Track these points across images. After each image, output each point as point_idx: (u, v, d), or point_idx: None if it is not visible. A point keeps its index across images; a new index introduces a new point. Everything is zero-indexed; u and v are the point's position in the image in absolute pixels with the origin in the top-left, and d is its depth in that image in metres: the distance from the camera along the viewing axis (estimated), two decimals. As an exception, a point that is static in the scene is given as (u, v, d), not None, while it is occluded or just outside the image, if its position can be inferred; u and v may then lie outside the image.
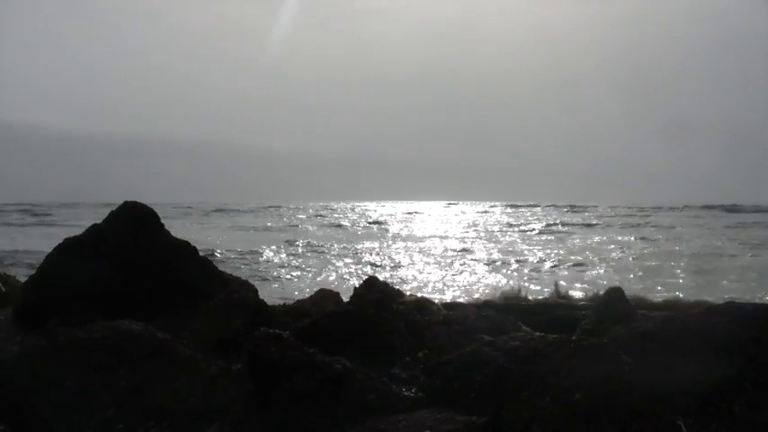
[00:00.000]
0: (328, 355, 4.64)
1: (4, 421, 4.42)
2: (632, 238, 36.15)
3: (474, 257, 26.75)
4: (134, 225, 6.58)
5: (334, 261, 25.34)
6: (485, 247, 31.82)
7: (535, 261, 25.43)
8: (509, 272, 22.47)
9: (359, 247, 31.42)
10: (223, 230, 42.63)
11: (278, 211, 68.47)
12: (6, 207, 59.81)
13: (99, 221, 6.76)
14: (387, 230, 46.97)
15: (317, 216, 63.99)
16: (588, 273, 22.06)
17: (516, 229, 46.67)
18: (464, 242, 34.67)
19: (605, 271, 22.31)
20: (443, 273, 21.85)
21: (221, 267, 7.26)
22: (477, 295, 15.79)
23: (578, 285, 17.66)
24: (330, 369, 4.50)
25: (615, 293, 6.87)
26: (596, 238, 37.11)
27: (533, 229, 45.61)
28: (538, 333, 5.22)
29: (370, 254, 28.07)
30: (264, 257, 25.77)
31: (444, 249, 30.29)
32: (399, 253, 28.65)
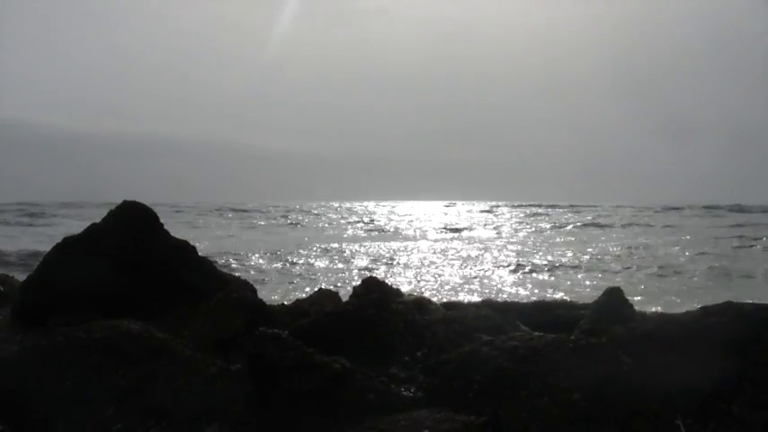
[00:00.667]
0: (327, 355, 4.64)
1: (4, 421, 4.43)
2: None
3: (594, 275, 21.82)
4: (133, 225, 6.58)
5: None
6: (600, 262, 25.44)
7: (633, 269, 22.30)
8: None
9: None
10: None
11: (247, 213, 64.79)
12: (5, 206, 59.73)
13: (98, 221, 6.76)
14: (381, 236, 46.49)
15: (283, 216, 60.85)
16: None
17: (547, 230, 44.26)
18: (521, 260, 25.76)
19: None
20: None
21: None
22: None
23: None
24: (329, 369, 4.50)
25: (614, 294, 6.86)
26: (641, 239, 34.95)
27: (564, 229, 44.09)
28: (536, 333, 5.22)
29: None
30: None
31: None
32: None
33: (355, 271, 22.09)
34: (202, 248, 7.79)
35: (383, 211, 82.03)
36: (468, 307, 6.99)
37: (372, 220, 59.22)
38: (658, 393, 4.10)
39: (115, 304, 5.79)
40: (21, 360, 4.94)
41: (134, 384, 4.74)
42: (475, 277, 20.79)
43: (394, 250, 29.49)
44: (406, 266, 23.58)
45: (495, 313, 6.48)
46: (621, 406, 4.09)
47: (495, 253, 28.35)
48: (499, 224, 53.57)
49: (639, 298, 15.23)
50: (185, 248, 6.80)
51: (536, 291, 17.79)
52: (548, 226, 48.68)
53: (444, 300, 10.53)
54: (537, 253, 28.11)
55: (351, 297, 6.21)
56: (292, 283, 19.19)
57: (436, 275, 21.10)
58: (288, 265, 23.30)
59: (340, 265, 23.67)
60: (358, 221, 57.74)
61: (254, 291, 6.98)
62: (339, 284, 17.45)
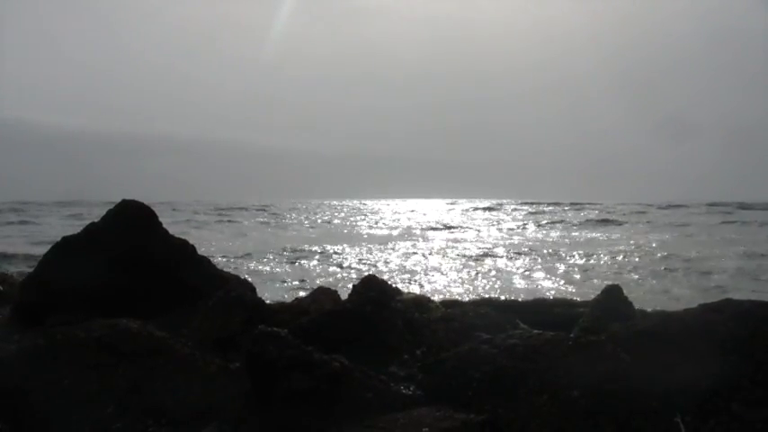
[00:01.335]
0: (326, 354, 4.63)
1: (3, 420, 4.42)
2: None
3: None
4: (132, 224, 6.58)
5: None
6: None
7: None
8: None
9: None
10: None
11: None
12: (4, 205, 59.71)
13: (97, 220, 6.76)
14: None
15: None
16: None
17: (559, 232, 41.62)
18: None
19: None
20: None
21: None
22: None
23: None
24: (328, 367, 4.50)
25: (614, 291, 6.86)
26: (661, 236, 34.37)
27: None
28: (536, 331, 5.22)
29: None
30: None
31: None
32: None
33: (355, 269, 22.08)
34: (201, 248, 7.78)
35: (383, 209, 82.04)
36: (467, 305, 6.99)
37: (373, 218, 59.23)
38: (658, 391, 4.10)
39: (114, 303, 5.79)
40: (19, 359, 4.94)
41: (133, 383, 4.73)
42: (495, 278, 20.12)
43: (394, 249, 29.49)
44: (406, 265, 23.58)
45: (494, 311, 6.48)
46: (621, 404, 4.08)
47: (519, 253, 27.12)
48: (508, 221, 52.93)
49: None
50: (184, 247, 6.80)
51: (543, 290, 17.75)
52: (559, 224, 47.78)
53: (443, 298, 10.54)
54: (571, 254, 26.51)
55: (350, 295, 6.21)
56: (292, 281, 19.18)
57: (441, 274, 21.03)
58: (287, 263, 23.30)
59: (340, 264, 23.66)
60: (358, 220, 57.75)
61: (254, 289, 6.98)
62: (338, 283, 17.45)
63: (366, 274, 7.23)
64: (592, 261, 24.35)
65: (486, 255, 26.56)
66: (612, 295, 6.77)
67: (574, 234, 39.03)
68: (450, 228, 46.18)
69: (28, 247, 25.31)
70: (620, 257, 25.08)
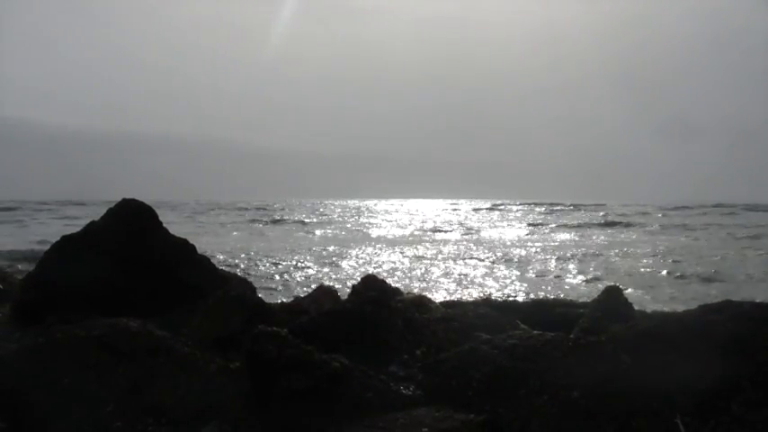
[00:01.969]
0: (326, 353, 4.63)
1: (3, 418, 4.42)
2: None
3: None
4: (132, 222, 6.57)
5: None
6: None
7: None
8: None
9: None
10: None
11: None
12: (10, 204, 59.73)
13: (97, 219, 6.76)
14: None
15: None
16: None
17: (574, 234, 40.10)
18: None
19: None
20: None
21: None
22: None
23: None
24: (328, 367, 4.50)
25: (614, 292, 6.87)
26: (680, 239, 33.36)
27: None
28: (536, 331, 5.22)
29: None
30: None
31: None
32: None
33: (355, 269, 22.08)
34: (201, 247, 7.78)
35: (383, 209, 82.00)
36: (467, 305, 6.99)
37: (374, 218, 59.21)
38: (657, 392, 4.10)
39: (114, 302, 5.79)
40: (19, 358, 4.93)
41: (133, 382, 4.73)
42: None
43: (394, 249, 29.49)
44: (406, 265, 23.57)
45: (494, 312, 6.49)
46: (620, 404, 4.08)
47: (540, 258, 25.83)
48: (519, 222, 52.41)
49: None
50: (184, 246, 6.79)
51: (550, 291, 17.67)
52: (572, 226, 46.83)
53: (444, 299, 10.53)
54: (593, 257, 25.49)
55: (350, 295, 6.22)
56: (291, 281, 19.18)
57: (448, 274, 20.95)
58: (287, 263, 23.29)
59: (340, 264, 23.66)
60: (359, 219, 57.74)
61: (254, 289, 6.98)
62: (338, 283, 17.45)
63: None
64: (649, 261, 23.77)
65: (531, 258, 25.49)
66: (612, 296, 6.77)
67: (597, 235, 38.70)
68: (473, 229, 45.51)
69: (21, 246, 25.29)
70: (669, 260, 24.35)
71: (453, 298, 12.94)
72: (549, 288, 17.79)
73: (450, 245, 31.98)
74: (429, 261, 24.71)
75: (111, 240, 6.39)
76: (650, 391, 4.12)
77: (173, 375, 4.81)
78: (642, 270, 22.01)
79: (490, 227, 48.06)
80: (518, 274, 20.93)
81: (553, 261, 24.38)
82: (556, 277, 20.30)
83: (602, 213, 60.21)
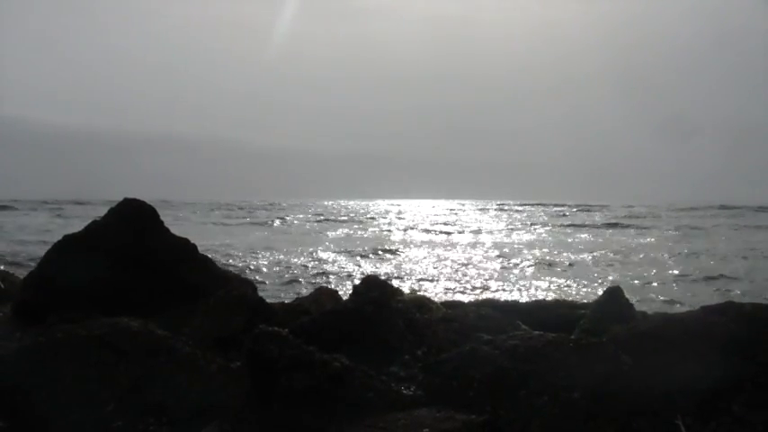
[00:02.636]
0: (327, 353, 4.63)
1: (3, 417, 4.42)
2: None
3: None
4: (134, 222, 6.58)
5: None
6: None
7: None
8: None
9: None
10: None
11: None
12: (8, 203, 59.72)
13: (99, 218, 6.76)
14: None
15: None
16: None
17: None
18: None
19: None
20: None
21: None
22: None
23: None
24: (329, 367, 4.50)
25: (614, 293, 6.86)
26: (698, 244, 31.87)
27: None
28: (537, 332, 5.22)
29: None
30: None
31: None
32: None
33: (356, 269, 22.09)
34: (202, 246, 7.78)
35: (384, 210, 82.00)
36: (468, 306, 6.99)
37: (375, 219, 59.22)
38: (658, 392, 4.10)
39: (115, 302, 5.79)
40: (20, 357, 4.94)
41: (134, 382, 4.73)
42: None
43: (394, 249, 29.48)
44: (407, 266, 23.57)
45: (495, 312, 6.48)
46: (621, 405, 4.08)
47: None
48: (518, 224, 51.70)
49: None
50: (186, 246, 6.80)
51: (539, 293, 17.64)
52: (582, 227, 46.24)
53: (445, 299, 10.53)
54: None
55: (351, 295, 6.21)
56: (293, 281, 19.18)
57: (453, 275, 20.86)
58: (287, 263, 23.29)
59: (339, 264, 23.67)
60: (358, 219, 57.74)
61: (255, 289, 6.98)
62: (339, 283, 17.45)
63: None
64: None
65: (570, 262, 24.58)
66: (613, 297, 6.76)
67: (613, 236, 38.21)
68: (485, 231, 44.77)
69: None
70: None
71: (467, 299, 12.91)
72: (580, 295, 17.15)
73: (468, 247, 31.68)
74: (430, 262, 24.69)
75: (113, 240, 6.39)
76: (651, 392, 4.12)
77: (174, 375, 4.81)
78: (669, 273, 21.37)
79: (498, 228, 47.69)
80: (539, 276, 20.73)
81: (590, 265, 23.66)
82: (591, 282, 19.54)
83: (607, 214, 59.70)
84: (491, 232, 43.76)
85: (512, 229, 47.12)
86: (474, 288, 18.51)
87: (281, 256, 25.04)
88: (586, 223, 49.90)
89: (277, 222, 50.96)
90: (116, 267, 6.15)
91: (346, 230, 44.39)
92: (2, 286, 7.53)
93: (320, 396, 4.38)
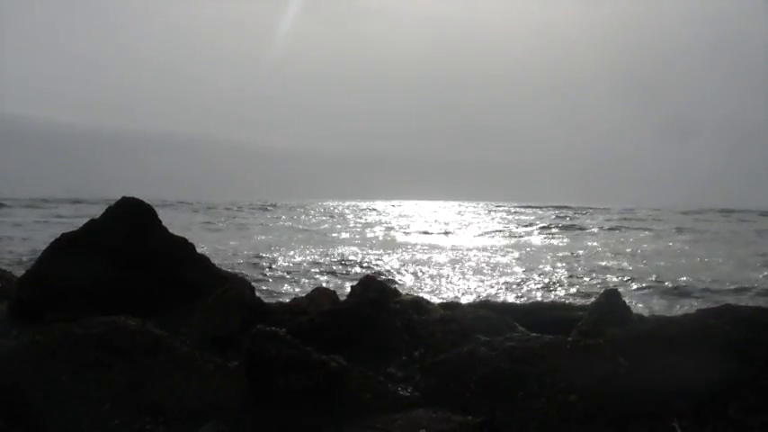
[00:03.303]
0: (325, 354, 4.64)
1: (1, 416, 4.42)
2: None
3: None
4: (131, 221, 6.57)
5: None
6: None
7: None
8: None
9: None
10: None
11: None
12: (6, 202, 59.64)
13: (96, 217, 6.75)
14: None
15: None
16: None
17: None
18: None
19: None
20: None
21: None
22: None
23: None
24: (326, 367, 4.50)
25: (612, 295, 6.87)
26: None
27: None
28: (534, 334, 5.22)
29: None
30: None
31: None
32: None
33: (354, 270, 22.09)
34: (201, 246, 7.78)
35: (384, 211, 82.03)
36: (465, 307, 6.99)
37: (374, 220, 59.21)
38: (655, 395, 4.10)
39: (113, 300, 5.78)
40: (17, 356, 4.94)
41: (131, 381, 4.73)
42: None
43: (394, 250, 29.48)
44: (406, 267, 23.57)
45: (493, 314, 6.48)
46: (618, 407, 4.08)
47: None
48: (514, 225, 50.66)
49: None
50: (183, 245, 6.79)
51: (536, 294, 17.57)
52: (592, 230, 44.70)
53: (442, 300, 10.52)
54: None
55: (349, 296, 6.22)
56: (291, 281, 19.18)
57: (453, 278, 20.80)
58: (286, 263, 23.29)
59: (339, 264, 23.67)
60: (358, 220, 57.73)
61: (253, 289, 6.97)
62: (337, 283, 17.45)
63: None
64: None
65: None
66: (611, 299, 6.77)
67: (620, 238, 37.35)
68: (490, 232, 44.06)
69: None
70: None
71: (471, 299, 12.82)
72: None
73: (474, 250, 31.39)
74: (432, 262, 24.69)
75: (111, 238, 6.39)
76: (648, 395, 4.12)
77: (171, 374, 4.82)
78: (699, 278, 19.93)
79: (500, 230, 47.30)
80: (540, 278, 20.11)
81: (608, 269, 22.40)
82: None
83: (610, 217, 58.91)
84: (488, 233, 43.52)
85: (500, 230, 46.85)
86: (472, 290, 18.46)
87: (281, 257, 25.04)
88: (589, 226, 49.55)
89: (275, 222, 50.97)
90: (114, 266, 6.14)
91: (346, 230, 44.42)
92: (-1, 284, 7.52)
93: (318, 396, 4.39)
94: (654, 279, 19.61)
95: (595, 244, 34.35)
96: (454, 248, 31.18)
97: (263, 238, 35.01)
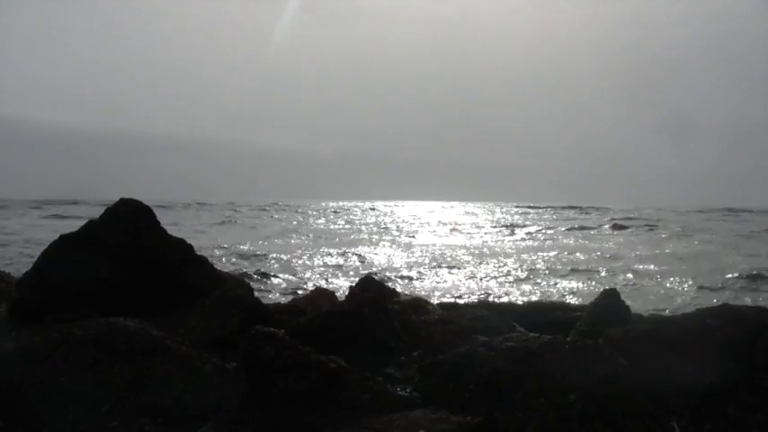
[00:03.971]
0: (323, 354, 4.64)
1: (-1, 417, 4.42)
2: None
3: None
4: (130, 222, 6.56)
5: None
6: None
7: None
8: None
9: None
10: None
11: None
12: (7, 203, 59.64)
13: (95, 218, 6.75)
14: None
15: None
16: None
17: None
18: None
19: None
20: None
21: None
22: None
23: None
24: (325, 368, 4.50)
25: (611, 295, 6.86)
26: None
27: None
28: (533, 334, 5.22)
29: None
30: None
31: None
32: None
33: (353, 270, 22.09)
34: (199, 247, 7.78)
35: (384, 211, 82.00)
36: (464, 308, 6.99)
37: (375, 221, 59.20)
38: (654, 395, 4.10)
39: (111, 302, 5.78)
40: (16, 356, 4.94)
41: (129, 382, 4.73)
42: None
43: (393, 250, 29.49)
44: (405, 267, 23.57)
45: (491, 314, 6.48)
46: (617, 407, 4.08)
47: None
48: (515, 227, 50.47)
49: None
50: (182, 246, 6.78)
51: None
52: (605, 232, 44.68)
53: (441, 300, 10.52)
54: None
55: (347, 296, 6.21)
56: (289, 281, 19.18)
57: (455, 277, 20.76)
58: (285, 263, 23.30)
59: (337, 265, 23.67)
60: (357, 220, 57.72)
61: (251, 289, 6.96)
62: (336, 284, 17.46)
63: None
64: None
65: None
66: (610, 299, 6.76)
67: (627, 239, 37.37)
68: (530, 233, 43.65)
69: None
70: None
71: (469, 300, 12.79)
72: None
73: (477, 249, 31.35)
74: (433, 262, 24.68)
75: (109, 240, 6.38)
76: (647, 394, 4.12)
77: (170, 375, 4.81)
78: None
79: (503, 230, 47.27)
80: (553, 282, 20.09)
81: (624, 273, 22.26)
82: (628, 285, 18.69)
83: (614, 217, 58.72)
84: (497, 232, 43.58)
85: (504, 231, 46.78)
86: (472, 290, 18.43)
87: (280, 257, 25.04)
88: (589, 226, 49.44)
89: (274, 222, 50.96)
90: (112, 267, 6.14)
91: (346, 230, 44.41)
92: (-2, 286, 7.51)
93: (316, 397, 4.38)
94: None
95: (611, 244, 34.40)
96: (454, 248, 31.33)
97: (262, 238, 35.09)
